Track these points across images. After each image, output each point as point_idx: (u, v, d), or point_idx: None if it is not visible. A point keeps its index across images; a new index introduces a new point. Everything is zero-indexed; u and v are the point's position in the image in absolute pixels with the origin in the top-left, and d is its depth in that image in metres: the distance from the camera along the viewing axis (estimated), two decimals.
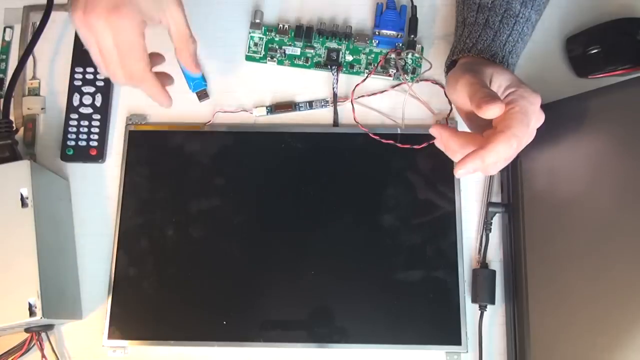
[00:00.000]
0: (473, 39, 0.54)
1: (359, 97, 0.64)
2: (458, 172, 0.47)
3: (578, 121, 0.55)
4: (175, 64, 0.56)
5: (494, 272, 0.59)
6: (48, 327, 0.57)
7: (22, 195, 0.54)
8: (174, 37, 0.51)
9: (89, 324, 0.59)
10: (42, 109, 0.65)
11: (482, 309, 0.58)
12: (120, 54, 0.48)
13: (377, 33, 0.64)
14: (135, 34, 0.47)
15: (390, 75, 0.64)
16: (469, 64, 0.53)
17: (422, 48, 0.65)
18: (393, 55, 0.64)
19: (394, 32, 0.64)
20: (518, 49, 0.56)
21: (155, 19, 0.49)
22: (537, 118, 0.49)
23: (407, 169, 0.61)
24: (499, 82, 0.49)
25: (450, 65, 0.57)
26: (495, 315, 0.59)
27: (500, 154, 0.46)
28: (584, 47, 0.63)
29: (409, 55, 0.64)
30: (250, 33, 0.65)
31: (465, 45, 0.54)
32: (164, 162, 0.62)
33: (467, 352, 0.57)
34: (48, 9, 0.63)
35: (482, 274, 0.58)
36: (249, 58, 0.65)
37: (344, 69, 0.64)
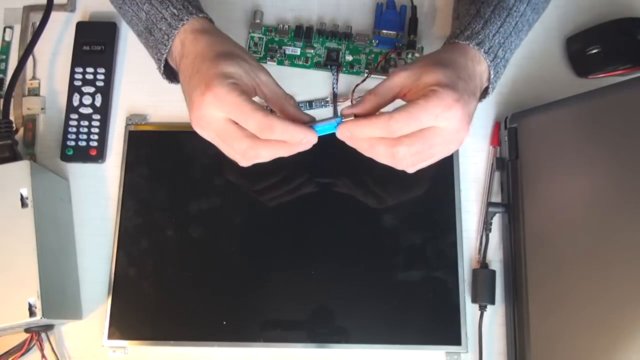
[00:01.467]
0: (462, 26, 0.53)
1: (359, 97, 0.64)
2: (339, 128, 0.48)
3: (578, 121, 0.55)
4: None
5: (494, 272, 0.59)
6: (48, 327, 0.57)
7: (22, 195, 0.54)
8: (272, 101, 0.51)
9: (89, 324, 0.59)
10: (42, 109, 0.65)
11: (482, 309, 0.58)
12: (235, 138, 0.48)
13: (377, 33, 0.64)
14: (243, 100, 0.46)
15: None
16: (434, 53, 0.52)
17: (422, 48, 0.65)
18: (393, 55, 0.64)
19: (394, 32, 0.64)
20: (511, 44, 0.54)
21: (252, 92, 0.49)
22: (455, 128, 0.46)
23: None
24: (426, 79, 0.47)
25: None
26: (495, 315, 0.59)
27: (376, 130, 0.46)
28: (584, 47, 0.63)
29: (409, 55, 0.64)
30: (250, 33, 0.65)
31: (453, 33, 0.54)
32: (164, 162, 0.62)
33: (467, 352, 0.57)
34: (48, 9, 0.63)
35: (482, 274, 0.59)
36: None
37: (344, 69, 0.65)
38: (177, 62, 0.52)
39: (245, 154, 0.49)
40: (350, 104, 0.63)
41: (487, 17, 0.53)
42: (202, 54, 0.49)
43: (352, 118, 0.49)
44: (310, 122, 0.50)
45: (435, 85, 0.46)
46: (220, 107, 0.46)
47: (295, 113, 0.51)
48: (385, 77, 0.63)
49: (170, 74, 0.55)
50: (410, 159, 0.48)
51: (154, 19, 0.53)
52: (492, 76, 0.52)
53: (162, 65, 0.53)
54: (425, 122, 0.46)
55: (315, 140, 0.48)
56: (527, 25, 0.56)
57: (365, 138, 0.48)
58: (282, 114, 0.51)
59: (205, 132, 0.49)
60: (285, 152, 0.49)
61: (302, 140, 0.48)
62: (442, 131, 0.46)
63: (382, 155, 0.48)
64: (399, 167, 0.49)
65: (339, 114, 0.49)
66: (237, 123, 0.47)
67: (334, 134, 0.49)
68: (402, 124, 0.45)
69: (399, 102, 0.48)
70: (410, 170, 0.50)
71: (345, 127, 0.48)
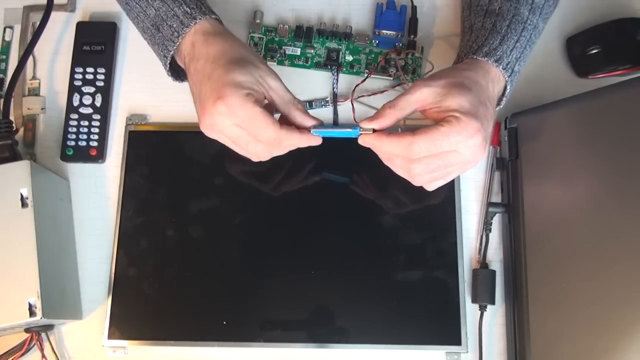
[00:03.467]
0: (479, 42, 0.54)
1: (359, 97, 0.64)
2: (360, 139, 0.50)
3: (578, 121, 0.55)
4: None
5: (494, 272, 0.59)
6: (48, 327, 0.57)
7: (22, 195, 0.54)
8: (280, 106, 0.51)
9: (89, 324, 0.59)
10: (42, 109, 0.65)
11: (482, 309, 0.58)
12: (249, 135, 0.49)
13: (377, 33, 0.64)
14: (256, 112, 0.48)
15: (390, 75, 0.64)
16: (457, 70, 0.52)
17: (422, 48, 0.65)
18: (393, 55, 0.64)
19: (394, 32, 0.64)
20: (526, 57, 0.55)
21: (258, 96, 0.49)
22: (473, 153, 0.48)
23: None
24: (448, 103, 0.48)
25: None
26: (495, 315, 0.59)
27: (397, 149, 0.48)
28: (584, 47, 0.63)
29: (409, 56, 0.64)
30: (250, 33, 0.65)
31: (471, 48, 0.54)
32: (164, 162, 0.62)
33: (467, 352, 0.57)
34: (48, 9, 0.63)
35: (482, 274, 0.58)
36: None
37: (344, 69, 0.64)
38: (186, 63, 0.52)
39: (259, 155, 0.51)
40: (350, 104, 0.63)
41: (504, 33, 0.54)
42: (213, 59, 0.49)
43: (371, 132, 0.50)
44: (316, 125, 0.52)
45: (458, 111, 0.47)
46: (233, 118, 0.48)
47: (301, 118, 0.52)
48: (383, 77, 0.64)
49: (175, 72, 0.56)
50: (426, 176, 0.50)
51: (165, 16, 0.52)
52: (507, 90, 0.53)
53: (168, 62, 0.53)
54: (446, 148, 0.47)
55: (318, 143, 0.52)
56: (538, 36, 0.57)
57: (384, 151, 0.50)
58: (289, 117, 0.52)
59: (216, 136, 0.50)
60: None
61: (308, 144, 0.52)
62: (460, 155, 0.48)
63: (398, 168, 0.50)
64: (416, 184, 0.52)
65: (357, 124, 0.50)
66: None
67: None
68: (423, 149, 0.47)
69: None
70: (430, 187, 0.52)
71: (366, 140, 0.50)
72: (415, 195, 0.60)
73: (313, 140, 0.52)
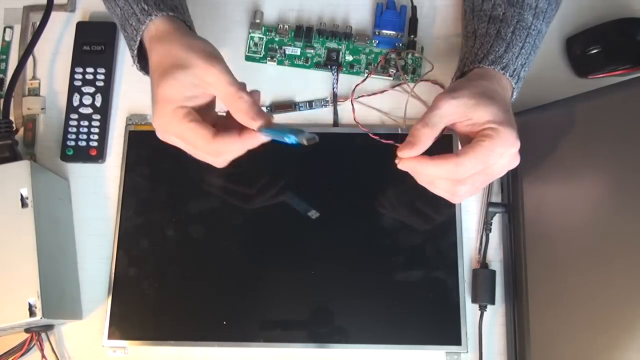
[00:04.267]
0: (484, 49, 0.53)
1: (359, 97, 0.64)
2: (397, 162, 0.48)
3: (578, 121, 0.55)
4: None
5: (494, 272, 0.59)
6: (48, 328, 0.57)
7: (22, 195, 0.54)
8: (224, 103, 0.48)
9: (89, 324, 0.59)
10: (42, 109, 0.65)
11: (482, 309, 0.58)
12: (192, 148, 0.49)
13: (377, 33, 0.64)
14: (184, 128, 0.47)
15: (390, 75, 0.64)
16: (471, 81, 0.51)
17: (422, 48, 0.65)
18: (393, 55, 0.64)
19: (394, 32, 0.64)
20: (531, 62, 0.55)
21: (199, 98, 0.48)
22: (509, 161, 0.48)
23: None
24: (481, 114, 0.47)
25: (459, 77, 0.56)
26: (495, 315, 0.59)
27: (441, 173, 0.47)
28: (584, 47, 0.63)
29: (409, 56, 0.64)
30: (250, 33, 0.65)
31: (476, 56, 0.53)
32: (164, 162, 0.62)
33: (467, 352, 0.57)
34: (48, 9, 0.63)
35: (482, 274, 0.58)
36: (248, 58, 0.65)
37: (344, 69, 0.64)
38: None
39: (213, 162, 0.50)
40: (350, 104, 0.63)
41: (509, 40, 0.53)
42: (153, 69, 0.49)
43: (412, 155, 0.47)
44: (263, 125, 0.47)
45: (493, 123, 0.47)
46: (169, 133, 0.48)
47: (244, 119, 0.47)
48: (383, 77, 0.64)
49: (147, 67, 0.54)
50: (467, 195, 0.49)
51: (127, 14, 0.52)
52: (513, 96, 0.53)
53: (136, 60, 0.53)
54: (491, 163, 0.47)
55: (264, 141, 0.48)
56: (542, 40, 0.56)
57: (426, 175, 0.48)
58: (234, 116, 0.47)
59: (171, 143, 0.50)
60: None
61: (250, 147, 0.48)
62: (500, 166, 0.47)
63: (441, 190, 0.49)
64: (455, 202, 0.51)
65: (305, 131, 0.45)
66: None
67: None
68: (470, 168, 0.46)
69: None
70: (457, 200, 0.51)
71: (407, 165, 0.48)
72: (416, 196, 0.60)
73: (256, 141, 0.48)
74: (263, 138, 0.47)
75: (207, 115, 0.49)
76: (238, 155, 0.49)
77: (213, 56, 0.47)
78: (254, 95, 0.48)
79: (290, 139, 0.45)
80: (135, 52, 0.52)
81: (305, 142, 0.44)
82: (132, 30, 0.52)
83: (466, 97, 0.47)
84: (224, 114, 0.50)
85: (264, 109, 0.63)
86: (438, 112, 0.47)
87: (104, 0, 0.56)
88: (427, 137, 0.47)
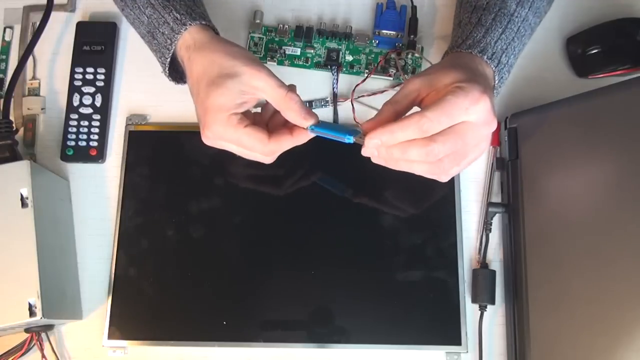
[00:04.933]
0: (464, 36, 0.54)
1: (359, 97, 0.64)
2: (363, 150, 0.47)
3: (578, 121, 0.55)
4: None
5: (494, 272, 0.59)
6: (48, 327, 0.57)
7: (22, 195, 0.54)
8: (275, 105, 0.50)
9: (89, 324, 0.59)
10: (42, 109, 0.65)
11: (482, 309, 0.58)
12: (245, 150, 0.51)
13: (377, 33, 0.64)
14: (241, 133, 0.49)
15: (390, 75, 0.64)
16: (441, 62, 0.53)
17: (422, 48, 0.65)
18: (393, 55, 0.64)
19: (394, 32, 0.64)
20: (515, 49, 0.54)
21: (249, 103, 0.50)
22: (485, 120, 0.46)
23: None
24: (445, 80, 0.47)
25: None
26: (495, 315, 0.59)
27: (406, 132, 0.45)
28: (584, 47, 0.63)
29: (409, 56, 0.64)
30: (250, 33, 0.65)
31: (455, 43, 0.54)
32: (164, 162, 0.62)
33: (467, 352, 0.57)
34: (48, 9, 0.63)
35: (482, 274, 0.59)
36: None
37: (344, 69, 0.65)
38: (185, 67, 0.52)
39: (263, 160, 0.52)
40: (350, 104, 0.63)
41: (489, 25, 0.53)
42: (197, 80, 0.50)
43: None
44: (314, 124, 0.49)
45: (458, 82, 0.46)
46: (222, 140, 0.50)
47: (295, 118, 0.50)
48: (383, 77, 0.64)
49: (176, 74, 0.56)
50: (446, 161, 0.47)
51: (156, 23, 0.53)
52: (496, 82, 0.52)
53: (167, 68, 0.54)
54: (457, 117, 0.45)
55: (311, 137, 0.51)
56: (530, 30, 0.56)
57: (396, 144, 0.46)
58: (286, 116, 0.50)
59: (222, 147, 0.52)
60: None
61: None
62: (474, 126, 0.46)
63: (416, 159, 0.46)
64: (436, 172, 0.48)
65: (358, 126, 0.48)
66: None
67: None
68: (435, 121, 0.45)
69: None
70: (444, 178, 0.49)
71: (375, 135, 0.46)
72: (416, 196, 0.60)
73: (305, 138, 0.51)
74: (311, 135, 0.50)
75: (248, 117, 0.51)
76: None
77: (257, 62, 0.50)
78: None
79: (349, 139, 0.47)
80: (169, 60, 0.53)
81: (359, 141, 0.47)
82: (165, 39, 0.52)
83: (430, 73, 0.48)
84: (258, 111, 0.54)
85: None
86: (403, 91, 0.48)
87: (125, 7, 0.56)
88: (388, 112, 0.48)
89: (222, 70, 0.49)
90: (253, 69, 0.49)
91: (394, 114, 0.48)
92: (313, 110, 0.64)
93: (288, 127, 0.51)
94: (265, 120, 0.53)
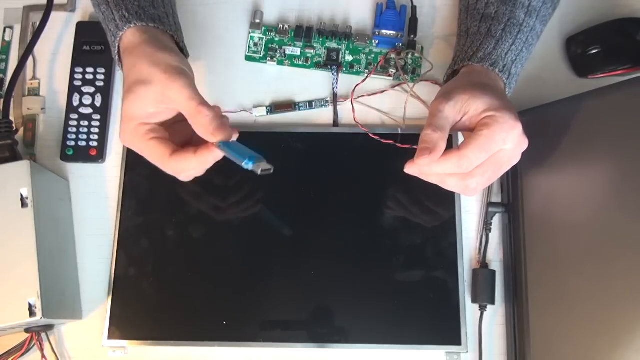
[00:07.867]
0: (474, 47, 0.54)
1: (359, 97, 0.64)
2: (406, 168, 0.48)
3: (578, 121, 0.55)
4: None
5: (494, 272, 0.59)
6: (48, 328, 0.57)
7: (22, 195, 0.54)
8: (187, 118, 0.47)
9: (89, 324, 0.59)
10: (42, 109, 0.65)
11: (482, 309, 0.58)
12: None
13: (377, 33, 0.64)
14: (144, 145, 0.48)
15: (390, 75, 0.64)
16: (460, 79, 0.52)
17: (422, 48, 0.65)
18: (393, 55, 0.64)
19: (394, 32, 0.64)
20: (523, 59, 0.55)
21: (163, 114, 0.48)
22: (516, 145, 0.47)
23: None
24: (476, 106, 0.47)
25: (450, 76, 0.57)
26: (495, 315, 0.59)
27: (447, 169, 0.47)
28: (584, 47, 0.63)
29: (409, 56, 0.64)
30: (250, 33, 0.65)
31: (466, 54, 0.54)
32: None
33: (467, 352, 0.57)
34: (48, 9, 0.63)
35: (482, 274, 0.59)
36: (248, 58, 0.65)
37: (344, 69, 0.64)
38: None
39: (178, 177, 0.50)
40: (350, 104, 0.63)
41: (499, 37, 0.53)
42: (123, 81, 0.49)
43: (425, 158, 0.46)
44: (222, 140, 0.46)
45: (489, 110, 0.47)
46: (133, 148, 0.49)
47: (203, 132, 0.46)
48: (383, 77, 0.64)
49: None
50: (480, 186, 0.49)
51: (107, 19, 0.52)
52: (507, 92, 0.53)
53: (118, 64, 0.53)
54: (494, 150, 0.47)
55: (219, 158, 0.47)
56: (537, 38, 0.57)
57: (434, 175, 0.48)
58: (196, 131, 0.47)
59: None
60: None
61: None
62: (507, 151, 0.47)
63: (453, 187, 0.49)
64: (467, 193, 0.50)
65: (262, 158, 0.44)
66: None
67: None
68: (474, 159, 0.46)
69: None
70: (472, 195, 0.51)
71: (414, 171, 0.48)
72: (416, 196, 0.60)
73: (212, 159, 0.47)
74: (219, 155, 0.47)
75: (182, 131, 0.49)
76: (200, 173, 0.50)
77: (177, 71, 0.47)
78: (216, 109, 0.47)
79: (247, 165, 0.44)
80: (117, 58, 0.52)
81: (259, 172, 0.44)
82: (111, 36, 0.52)
83: (459, 94, 0.48)
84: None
85: (263, 109, 0.63)
86: (441, 115, 0.47)
87: (93, 1, 0.56)
88: (441, 140, 0.47)
89: (139, 77, 0.47)
90: (168, 79, 0.46)
91: (444, 141, 0.47)
92: (313, 109, 0.64)
93: (194, 144, 0.48)
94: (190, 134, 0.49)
